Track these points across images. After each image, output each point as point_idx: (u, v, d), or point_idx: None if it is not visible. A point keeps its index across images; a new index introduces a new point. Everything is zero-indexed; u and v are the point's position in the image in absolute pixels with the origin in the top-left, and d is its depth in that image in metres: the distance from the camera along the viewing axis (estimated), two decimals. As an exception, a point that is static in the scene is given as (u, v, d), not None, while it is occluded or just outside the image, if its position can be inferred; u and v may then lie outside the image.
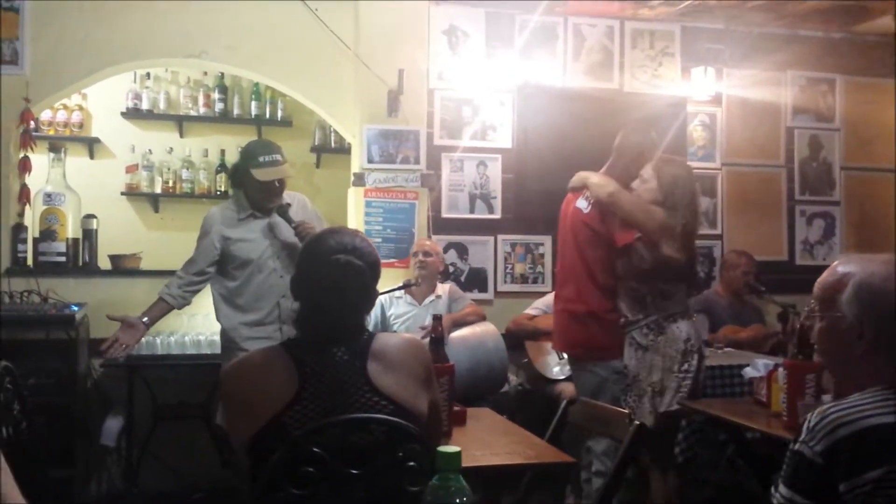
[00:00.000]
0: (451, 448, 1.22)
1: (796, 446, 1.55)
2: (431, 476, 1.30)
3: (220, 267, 3.67)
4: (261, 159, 3.59)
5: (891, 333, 1.59)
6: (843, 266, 1.69)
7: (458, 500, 1.20)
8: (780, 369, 3.01)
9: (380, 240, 4.66)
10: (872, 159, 5.71)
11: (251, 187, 3.62)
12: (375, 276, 1.95)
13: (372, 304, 1.99)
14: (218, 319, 3.72)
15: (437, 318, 2.70)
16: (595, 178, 3.67)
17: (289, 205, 3.64)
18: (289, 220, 3.58)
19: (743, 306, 5.06)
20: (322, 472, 1.63)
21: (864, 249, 5.58)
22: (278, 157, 3.62)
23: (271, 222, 3.65)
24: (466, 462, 1.28)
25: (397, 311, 4.48)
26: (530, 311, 4.80)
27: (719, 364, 4.11)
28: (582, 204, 3.73)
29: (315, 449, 1.63)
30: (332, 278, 1.86)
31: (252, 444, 1.76)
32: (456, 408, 2.68)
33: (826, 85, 5.64)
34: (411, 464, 1.68)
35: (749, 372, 3.42)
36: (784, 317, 4.94)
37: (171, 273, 4.68)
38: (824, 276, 1.72)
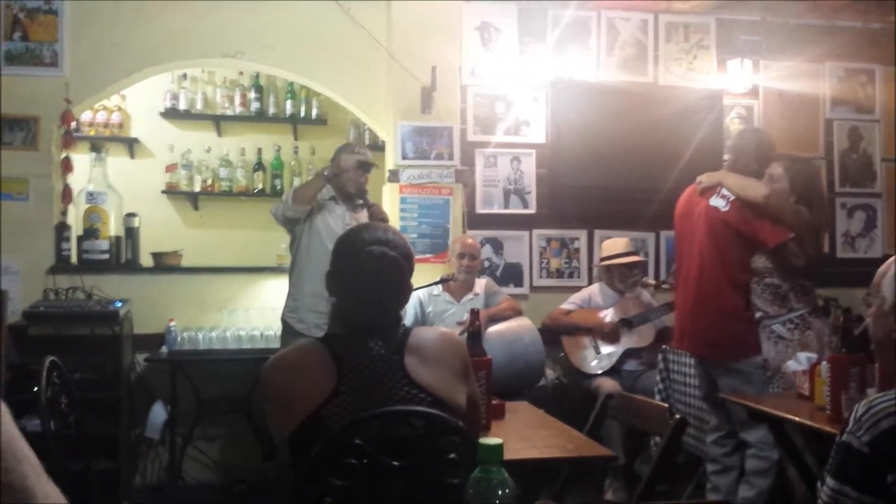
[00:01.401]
0: (493, 440, 1.23)
1: (843, 437, 1.53)
2: (472, 468, 1.32)
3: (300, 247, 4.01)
4: (353, 148, 4.18)
5: None
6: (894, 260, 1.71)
7: (500, 493, 1.21)
8: (824, 363, 2.98)
9: (415, 235, 4.69)
10: (914, 150, 5.60)
11: (334, 167, 4.02)
12: (410, 268, 1.97)
13: (407, 297, 2.00)
14: (288, 292, 4.05)
15: (474, 313, 2.71)
16: (737, 180, 3.73)
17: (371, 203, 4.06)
18: (365, 200, 4.01)
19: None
20: (363, 464, 1.65)
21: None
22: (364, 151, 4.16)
23: (354, 216, 3.99)
24: (506, 455, 1.29)
25: (436, 308, 4.51)
26: (566, 305, 4.80)
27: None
28: (719, 203, 3.78)
29: (356, 441, 1.65)
30: (368, 270, 1.88)
31: (292, 439, 1.79)
32: (494, 401, 2.70)
33: (865, 76, 5.54)
34: (451, 456, 1.70)
35: (792, 365, 3.38)
36: (826, 310, 4.88)
37: (209, 269, 4.81)
38: (882, 267, 1.73)
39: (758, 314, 3.67)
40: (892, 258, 1.71)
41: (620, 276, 4.74)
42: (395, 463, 1.67)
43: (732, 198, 3.71)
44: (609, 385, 4.32)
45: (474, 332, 2.65)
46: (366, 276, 1.88)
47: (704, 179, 3.87)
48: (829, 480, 1.51)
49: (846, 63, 5.50)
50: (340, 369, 1.81)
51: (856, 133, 5.54)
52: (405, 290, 1.97)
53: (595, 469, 4.26)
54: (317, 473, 1.67)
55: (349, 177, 4.00)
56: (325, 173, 3.99)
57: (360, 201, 4.02)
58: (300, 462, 1.74)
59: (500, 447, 1.23)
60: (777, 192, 3.61)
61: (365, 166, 4.04)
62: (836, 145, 5.51)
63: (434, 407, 1.78)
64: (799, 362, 3.38)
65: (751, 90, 5.32)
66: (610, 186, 5.02)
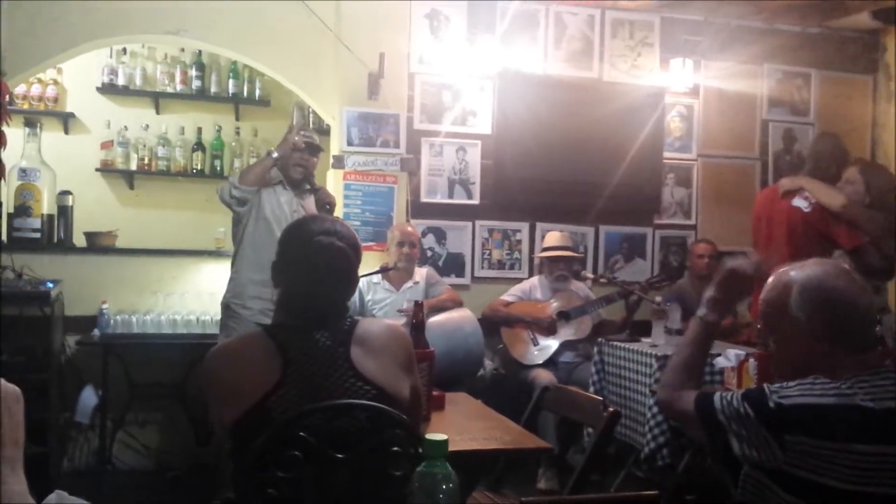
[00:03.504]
0: (438, 436, 1.25)
1: (764, 387, 1.69)
2: (415, 460, 1.33)
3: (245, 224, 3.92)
4: (302, 129, 4.07)
5: (844, 326, 1.68)
6: (782, 276, 1.77)
7: (444, 487, 1.23)
8: (751, 360, 3.09)
9: (358, 223, 4.66)
10: (845, 154, 5.79)
11: (281, 147, 3.96)
12: (358, 259, 1.98)
13: (354, 287, 2.01)
14: (228, 278, 3.97)
15: (418, 305, 2.72)
16: (817, 187, 4.02)
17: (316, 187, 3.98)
18: (312, 184, 3.93)
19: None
20: (308, 456, 1.65)
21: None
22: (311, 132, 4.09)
23: (300, 201, 3.93)
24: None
25: (375, 296, 4.50)
26: (507, 297, 4.84)
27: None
28: (801, 203, 4.06)
29: (301, 433, 1.65)
30: (316, 260, 1.88)
31: (235, 428, 1.78)
32: (435, 392, 2.71)
33: (801, 79, 5.70)
34: (395, 448, 1.71)
35: (721, 362, 3.49)
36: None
37: (145, 251, 4.71)
38: (766, 295, 1.80)
39: None
40: (781, 284, 1.75)
41: (549, 269, 4.82)
42: (340, 455, 1.67)
43: (815, 199, 4.00)
44: (545, 377, 4.38)
45: (418, 323, 2.66)
46: (314, 266, 1.88)
47: (787, 183, 4.20)
48: (734, 394, 1.71)
49: (784, 66, 5.65)
50: (286, 360, 1.80)
51: (790, 135, 5.71)
52: (353, 281, 1.97)
53: (529, 459, 4.32)
54: (260, 464, 1.66)
55: (298, 159, 3.92)
56: (275, 153, 3.91)
57: (308, 186, 3.95)
58: (243, 452, 1.72)
59: (445, 443, 1.25)
60: (852, 197, 3.91)
61: (314, 149, 3.98)
62: (770, 146, 5.67)
63: (378, 399, 1.79)
64: (728, 359, 3.49)
65: (691, 89, 5.43)
66: (553, 179, 5.07)
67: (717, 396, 1.73)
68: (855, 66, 5.74)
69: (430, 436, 1.25)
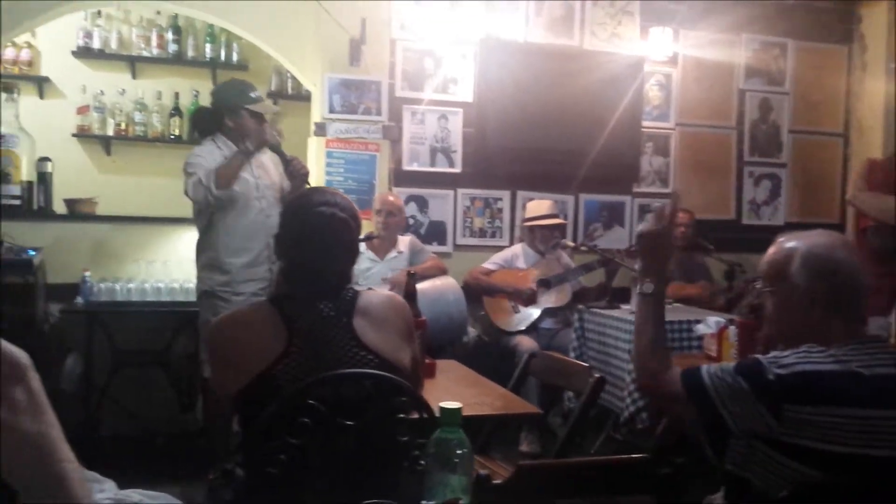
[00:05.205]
0: (453, 404, 1.30)
1: (758, 357, 1.71)
2: (419, 426, 1.38)
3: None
4: (253, 95, 3.68)
5: (841, 296, 1.73)
6: (788, 242, 1.81)
7: (458, 452, 1.28)
8: (732, 327, 3.16)
9: (341, 191, 4.64)
10: (819, 123, 5.88)
11: (241, 126, 3.61)
12: (358, 229, 2.04)
13: (356, 256, 2.05)
14: (201, 264, 3.67)
15: (410, 275, 2.76)
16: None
17: (278, 140, 3.66)
18: (282, 155, 3.60)
19: (690, 263, 5.23)
20: (316, 424, 1.69)
21: (807, 211, 5.81)
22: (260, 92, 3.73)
23: (256, 162, 3.64)
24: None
25: (360, 266, 4.51)
26: (488, 265, 4.89)
27: (669, 319, 4.26)
28: None
29: (310, 401, 1.69)
30: (319, 231, 1.92)
31: (241, 397, 1.82)
32: (427, 360, 2.76)
33: (778, 49, 5.76)
34: (401, 415, 1.75)
35: (701, 328, 3.57)
36: (730, 274, 5.13)
37: (126, 219, 4.67)
38: (770, 254, 1.83)
39: None
40: (786, 248, 1.79)
41: (542, 238, 4.86)
42: (348, 422, 1.71)
43: None
44: (527, 343, 4.45)
45: (410, 293, 2.70)
46: (316, 237, 1.92)
47: None
48: (724, 368, 1.72)
49: (761, 35, 5.70)
50: (291, 330, 1.84)
51: (766, 104, 5.78)
52: (355, 250, 2.02)
53: (513, 423, 4.41)
54: (270, 432, 1.70)
55: (265, 131, 3.61)
56: (249, 147, 3.55)
57: (288, 156, 3.66)
58: (251, 420, 1.76)
59: (459, 410, 1.31)
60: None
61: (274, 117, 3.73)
62: (747, 115, 5.74)
63: (381, 368, 1.84)
64: (708, 325, 3.57)
65: (670, 58, 5.47)
66: (534, 148, 5.09)
67: (704, 371, 1.73)
68: (831, 37, 5.81)
69: (445, 404, 1.30)
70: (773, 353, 1.72)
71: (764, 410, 1.62)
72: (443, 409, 1.31)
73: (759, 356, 1.73)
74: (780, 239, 1.83)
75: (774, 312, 1.81)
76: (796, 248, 1.77)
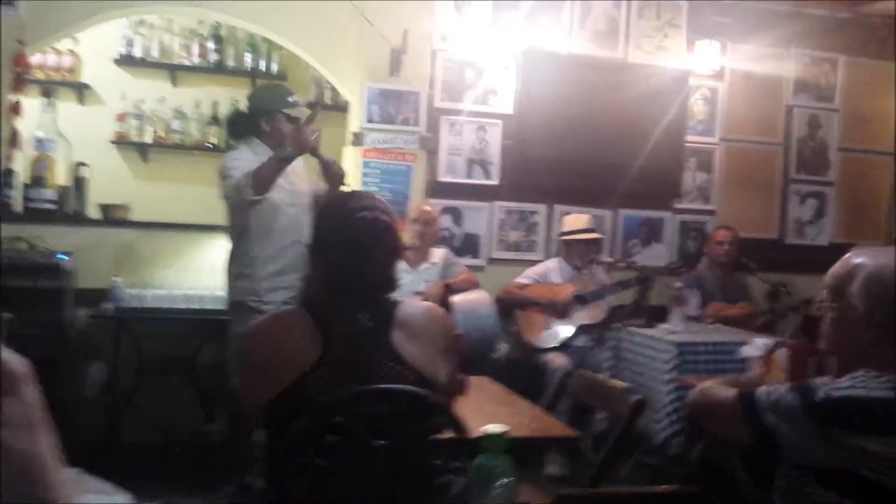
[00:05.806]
0: (498, 427, 1.19)
1: (810, 382, 1.68)
2: (456, 448, 1.28)
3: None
4: (290, 99, 3.61)
5: None
6: (855, 258, 1.73)
7: (500, 482, 1.17)
8: (781, 350, 3.01)
9: (377, 195, 4.59)
10: (869, 142, 5.69)
11: (277, 130, 3.52)
12: (399, 232, 1.97)
13: (398, 259, 1.97)
14: (232, 274, 3.57)
15: (446, 287, 2.67)
16: None
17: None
18: (321, 158, 3.48)
19: (731, 282, 5.07)
20: (347, 442, 1.60)
21: (854, 232, 5.60)
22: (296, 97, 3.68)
23: (291, 168, 3.48)
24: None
25: (391, 275, 4.44)
26: (522, 279, 4.77)
27: (712, 340, 4.13)
28: None
29: (341, 418, 1.60)
30: (361, 235, 1.84)
31: (271, 407, 1.74)
32: (460, 377, 2.66)
33: (829, 64, 5.60)
34: (436, 436, 1.66)
35: (746, 351, 3.41)
36: (774, 295, 4.97)
37: (158, 225, 4.65)
38: (836, 268, 1.76)
39: None
40: (851, 265, 1.72)
41: (579, 253, 4.74)
42: (381, 442, 1.62)
43: None
44: (559, 361, 4.32)
45: (445, 305, 2.60)
46: (361, 242, 1.84)
47: None
48: (778, 388, 1.71)
49: (811, 50, 5.54)
50: (326, 339, 1.76)
51: (815, 121, 5.61)
52: (397, 253, 1.94)
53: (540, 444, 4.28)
54: (298, 447, 1.60)
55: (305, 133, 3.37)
56: (287, 154, 3.36)
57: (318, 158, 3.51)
58: (279, 433, 1.67)
59: (505, 436, 1.19)
60: None
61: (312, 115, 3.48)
62: (794, 132, 5.57)
63: (417, 384, 1.74)
64: (755, 348, 3.41)
65: (717, 72, 5.34)
66: (573, 161, 4.98)
67: (760, 392, 1.71)
68: (883, 53, 5.62)
69: (489, 427, 1.20)
70: (829, 378, 1.66)
71: (812, 430, 1.57)
72: (488, 436, 1.20)
73: (816, 379, 1.67)
74: (849, 253, 1.74)
75: (831, 329, 1.75)
76: (860, 267, 1.70)
